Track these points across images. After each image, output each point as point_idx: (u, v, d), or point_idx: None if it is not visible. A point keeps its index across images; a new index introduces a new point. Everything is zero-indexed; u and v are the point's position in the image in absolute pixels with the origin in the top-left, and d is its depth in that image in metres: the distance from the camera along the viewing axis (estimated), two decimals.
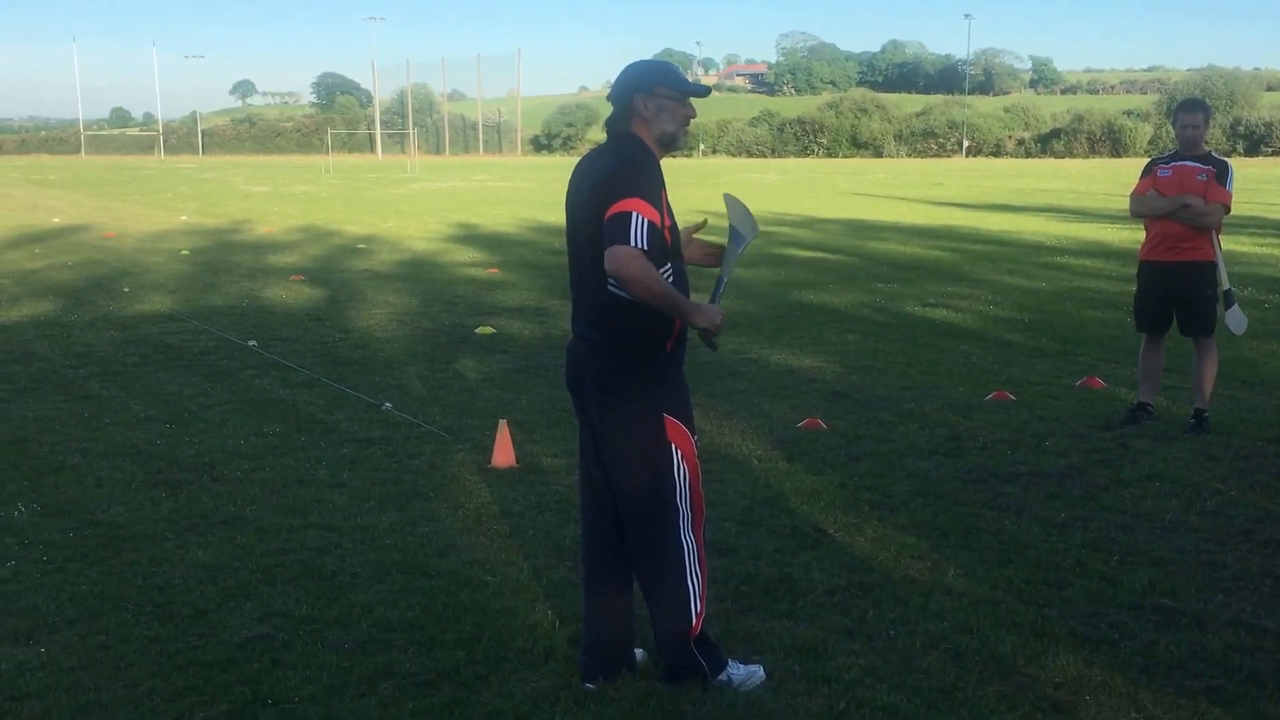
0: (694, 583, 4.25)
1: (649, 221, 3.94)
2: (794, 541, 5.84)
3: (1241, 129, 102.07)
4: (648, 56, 5.18)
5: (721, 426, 8.17)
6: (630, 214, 3.93)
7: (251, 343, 11.50)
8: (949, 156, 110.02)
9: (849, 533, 5.98)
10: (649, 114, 4.17)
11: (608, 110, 4.31)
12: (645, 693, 4.24)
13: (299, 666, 4.51)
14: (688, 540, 4.25)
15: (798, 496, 6.59)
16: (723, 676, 4.30)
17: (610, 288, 4.06)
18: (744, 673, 4.33)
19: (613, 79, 4.28)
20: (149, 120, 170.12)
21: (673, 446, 4.20)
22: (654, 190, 4.02)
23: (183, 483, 6.92)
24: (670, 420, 4.19)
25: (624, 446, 4.20)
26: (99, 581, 5.38)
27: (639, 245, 3.90)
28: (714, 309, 4.16)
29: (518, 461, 7.27)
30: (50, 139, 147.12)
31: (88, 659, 4.61)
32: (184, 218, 30.50)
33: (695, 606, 4.25)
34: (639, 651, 4.52)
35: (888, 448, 7.63)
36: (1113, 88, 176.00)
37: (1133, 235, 21.04)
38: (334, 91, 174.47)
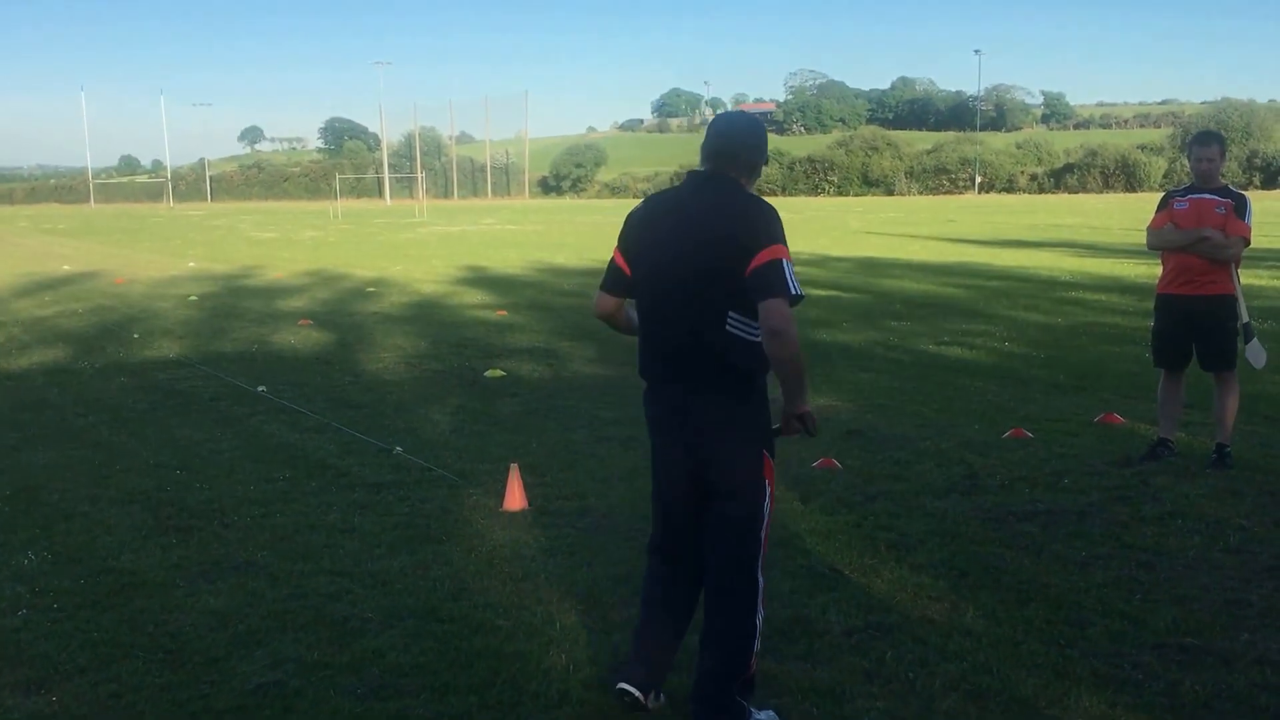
0: (760, 622, 4.29)
1: (792, 267, 4.09)
2: (810, 582, 5.78)
3: (1258, 161, 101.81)
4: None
5: None
6: (782, 261, 4.02)
7: (261, 388, 11.48)
8: (961, 193, 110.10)
9: (866, 573, 5.91)
10: (750, 181, 4.29)
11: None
12: None
13: (311, 713, 4.46)
14: (761, 578, 4.30)
15: (813, 536, 6.53)
16: None
17: (729, 328, 4.10)
18: (761, 718, 4.28)
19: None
20: (157, 167, 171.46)
21: (766, 484, 4.28)
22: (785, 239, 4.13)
23: (193, 529, 6.88)
24: (767, 458, 4.29)
25: (733, 482, 4.23)
26: (110, 629, 5.34)
27: (795, 291, 4.03)
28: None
29: (529, 504, 7.21)
30: (59, 187, 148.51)
31: (99, 707, 4.56)
32: (192, 264, 30.65)
33: (755, 646, 4.28)
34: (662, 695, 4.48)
35: (904, 487, 7.56)
36: (1126, 121, 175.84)
37: (1149, 269, 20.97)
38: (341, 136, 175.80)
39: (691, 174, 4.32)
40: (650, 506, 4.59)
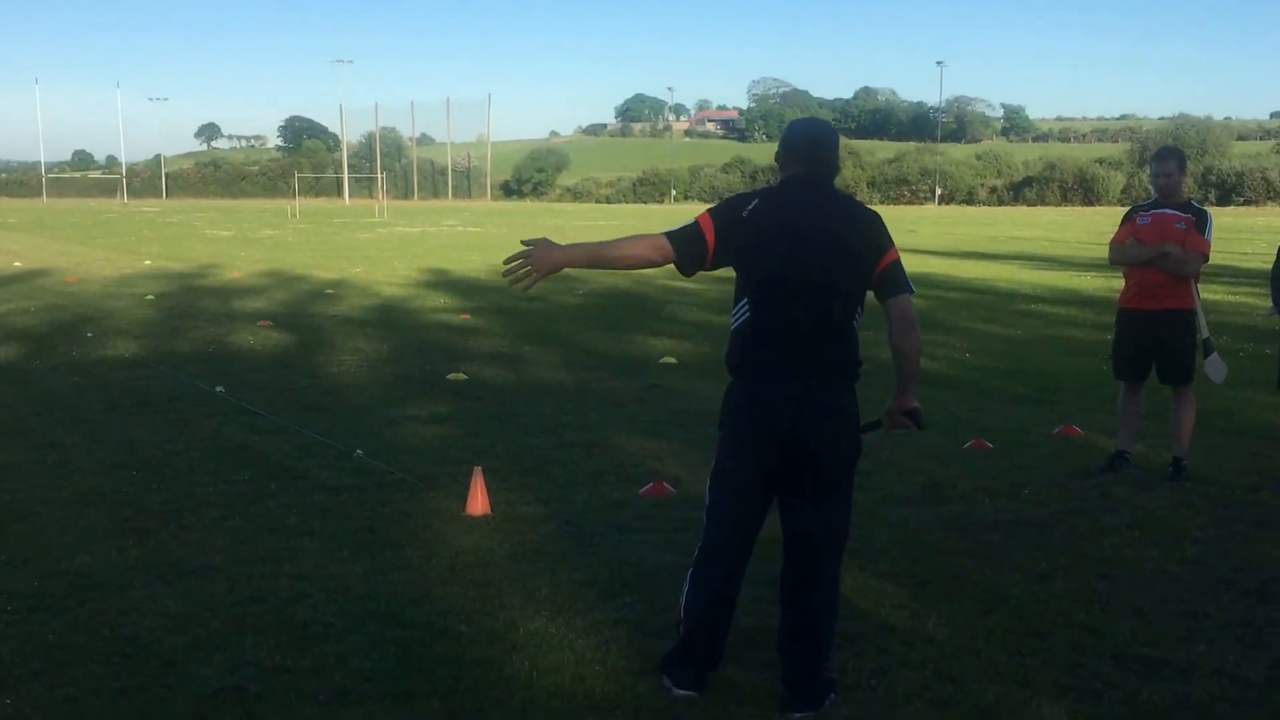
0: None
1: None
2: (773, 590, 5.68)
3: (1213, 178, 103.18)
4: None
5: (699, 475, 8.08)
6: (900, 261, 4.55)
7: (219, 389, 11.36)
8: (922, 204, 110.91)
9: None
10: None
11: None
12: None
13: (271, 718, 4.41)
14: None
15: (776, 545, 6.48)
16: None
17: (854, 321, 4.48)
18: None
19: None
20: (112, 163, 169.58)
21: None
22: None
23: (150, 531, 6.79)
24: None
25: (842, 470, 4.55)
26: (65, 632, 5.26)
27: (912, 288, 4.56)
28: None
29: (492, 509, 7.18)
30: (10, 181, 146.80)
31: (54, 711, 4.49)
32: (148, 262, 30.31)
33: None
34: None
35: (866, 496, 7.56)
36: (1084, 136, 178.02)
37: (1108, 283, 21.18)
38: (301, 135, 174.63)
39: (809, 180, 4.56)
40: (718, 512, 4.76)
